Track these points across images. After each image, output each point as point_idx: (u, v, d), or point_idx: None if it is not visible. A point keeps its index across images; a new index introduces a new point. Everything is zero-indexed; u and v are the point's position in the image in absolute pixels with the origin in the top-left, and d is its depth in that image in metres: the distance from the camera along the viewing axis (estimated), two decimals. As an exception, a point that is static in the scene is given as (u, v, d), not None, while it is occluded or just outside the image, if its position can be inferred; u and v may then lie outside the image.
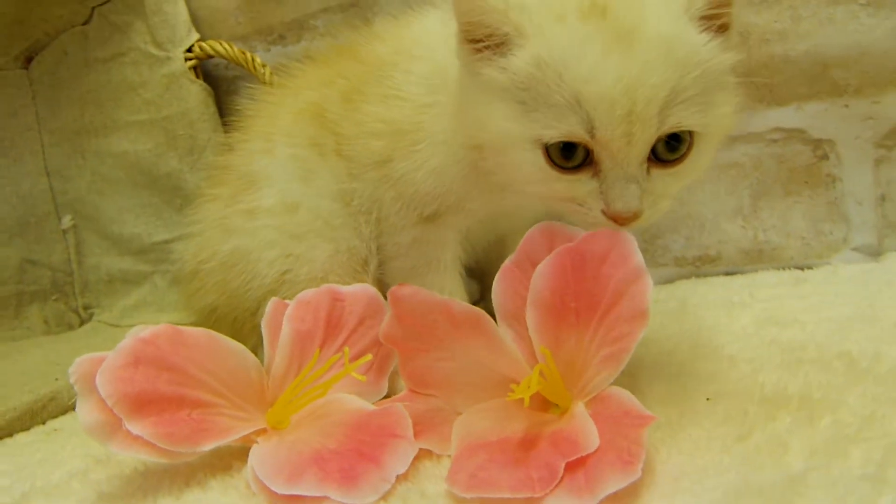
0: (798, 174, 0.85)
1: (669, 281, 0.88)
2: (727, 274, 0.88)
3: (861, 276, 0.79)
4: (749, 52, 0.82)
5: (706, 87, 0.48)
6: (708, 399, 0.53)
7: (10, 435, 0.68)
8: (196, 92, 0.94)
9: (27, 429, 0.69)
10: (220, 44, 0.93)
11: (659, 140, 0.48)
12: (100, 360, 0.50)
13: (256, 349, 0.67)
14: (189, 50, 0.94)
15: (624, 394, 0.47)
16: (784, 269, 0.85)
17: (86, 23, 0.97)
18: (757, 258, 0.87)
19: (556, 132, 0.48)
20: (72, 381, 0.50)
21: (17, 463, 0.60)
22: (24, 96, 0.99)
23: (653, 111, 0.46)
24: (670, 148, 0.49)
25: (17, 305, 0.96)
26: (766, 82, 0.83)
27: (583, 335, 0.49)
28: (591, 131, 0.47)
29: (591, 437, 0.44)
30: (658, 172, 0.50)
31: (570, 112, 0.47)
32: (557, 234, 0.54)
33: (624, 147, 0.47)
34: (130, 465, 0.53)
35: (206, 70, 0.98)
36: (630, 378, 0.56)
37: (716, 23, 0.50)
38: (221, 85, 0.99)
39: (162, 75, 0.94)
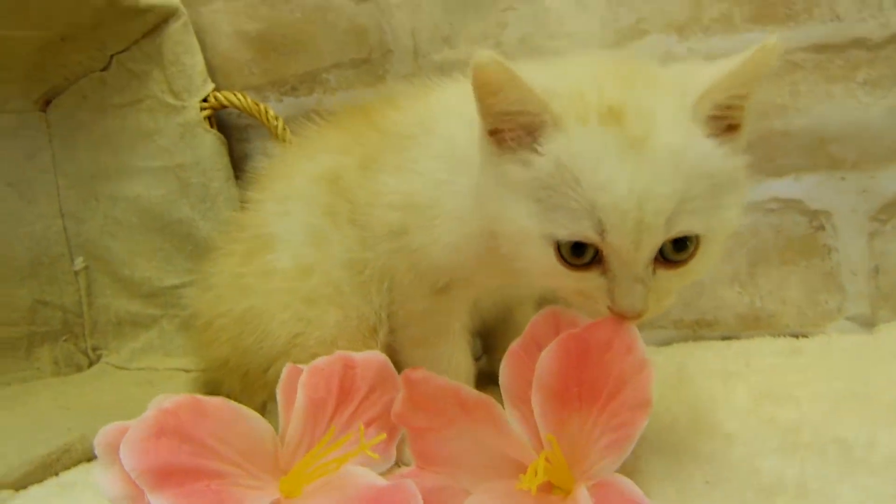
0: (795, 243, 0.88)
1: (667, 343, 0.91)
2: (724, 339, 0.90)
3: (855, 349, 0.81)
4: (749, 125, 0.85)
5: (714, 193, 0.50)
6: (707, 482, 0.55)
7: (25, 487, 0.68)
8: (210, 141, 0.96)
9: (40, 481, 0.70)
10: (235, 95, 0.96)
11: (666, 243, 0.50)
12: (123, 430, 0.52)
13: (266, 404, 0.70)
14: (204, 100, 0.96)
15: (626, 483, 0.49)
16: (780, 336, 0.88)
17: (104, 69, 0.99)
18: (753, 324, 0.90)
19: (569, 232, 0.50)
20: (97, 451, 0.52)
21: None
22: (42, 138, 1.01)
23: (661, 220, 0.48)
24: (677, 249, 0.51)
25: (29, 346, 0.97)
26: (765, 154, 0.86)
27: (586, 420, 0.51)
28: (602, 235, 0.49)
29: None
30: (664, 272, 0.52)
31: (585, 216, 0.49)
32: (562, 319, 0.57)
33: (632, 252, 0.49)
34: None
35: (219, 118, 1.00)
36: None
37: (724, 123, 0.52)
38: (234, 133, 1.02)
39: (177, 124, 0.97)
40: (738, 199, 0.53)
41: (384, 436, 0.55)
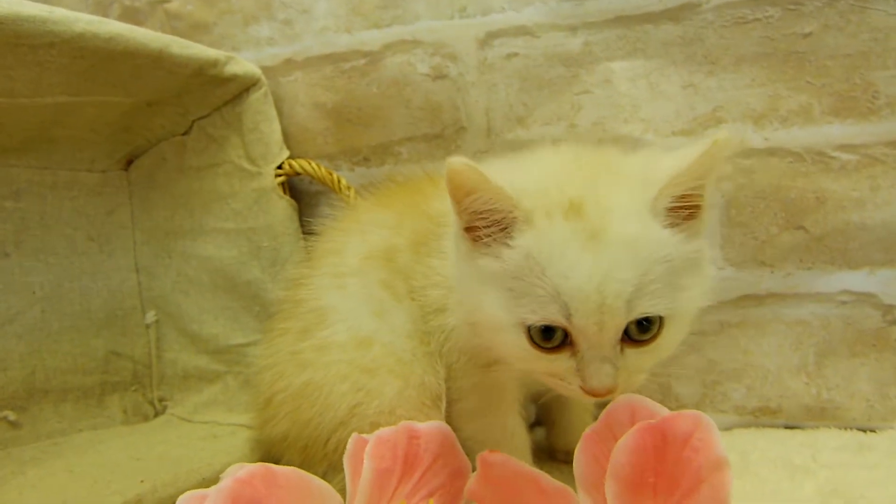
0: (866, 337, 0.86)
1: (727, 429, 0.90)
2: (787, 427, 0.88)
3: (926, 448, 0.79)
4: (825, 216, 0.84)
5: (672, 276, 0.55)
6: None
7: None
8: (283, 207, 0.99)
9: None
10: (309, 163, 0.99)
11: (630, 324, 0.54)
12: (202, 499, 0.54)
13: (326, 475, 0.71)
14: (279, 166, 1.00)
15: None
16: (846, 429, 0.86)
17: (185, 133, 1.03)
18: (819, 415, 0.88)
19: (539, 317, 0.55)
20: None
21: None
22: (122, 196, 1.06)
23: (620, 303, 0.53)
24: (642, 329, 0.55)
25: (101, 395, 1.00)
26: (839, 246, 0.85)
27: (661, 511, 0.51)
28: (568, 318, 0.54)
29: None
30: (631, 351, 0.56)
31: (551, 301, 0.54)
32: (639, 408, 0.57)
33: (597, 333, 0.54)
34: None
35: (291, 184, 1.03)
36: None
37: (683, 213, 0.56)
38: (304, 198, 1.05)
39: (252, 189, 1.00)
40: (700, 280, 0.58)
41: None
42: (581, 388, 0.56)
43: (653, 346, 0.56)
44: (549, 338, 0.56)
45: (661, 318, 0.55)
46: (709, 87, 0.87)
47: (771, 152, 0.86)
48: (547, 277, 0.54)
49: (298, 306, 0.77)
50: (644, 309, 0.54)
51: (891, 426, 0.86)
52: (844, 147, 0.84)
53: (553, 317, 0.54)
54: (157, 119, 1.01)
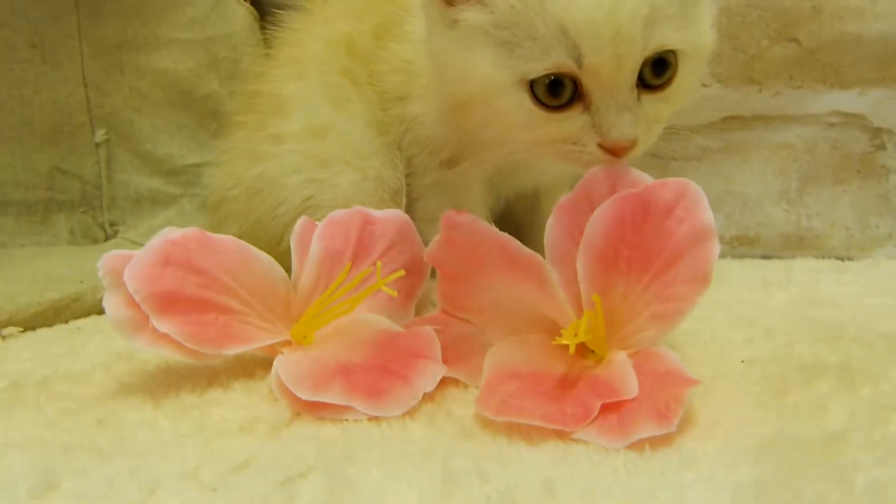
0: (851, 162, 0.83)
1: (703, 257, 0.87)
2: (764, 257, 0.86)
3: (904, 276, 0.77)
4: (820, 28, 0.80)
5: (682, 2, 0.49)
6: (742, 361, 0.51)
7: (33, 329, 0.67)
8: (242, 15, 0.93)
9: (50, 325, 0.68)
10: (273, -32, 0.92)
11: (645, 64, 0.48)
12: (129, 258, 0.50)
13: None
14: (241, -29, 0.92)
15: (669, 354, 0.45)
16: (824, 258, 0.83)
17: (138, -66, 0.95)
18: (797, 245, 0.85)
19: (543, 65, 0.48)
20: (100, 274, 0.50)
21: (39, 352, 0.60)
22: (68, 2, 0.98)
23: (637, 29, 0.46)
24: (656, 73, 0.49)
25: (45, 212, 0.95)
26: (832, 62, 0.80)
27: (632, 287, 0.47)
28: (578, 59, 0.47)
29: (630, 384, 0.42)
30: (648, 98, 0.50)
31: (556, 42, 0.47)
32: (622, 177, 0.50)
33: (614, 72, 0.47)
34: (153, 362, 0.53)
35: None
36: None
37: None
38: (268, 13, 0.97)
39: (210, -6, 0.93)
40: (707, 12, 0.52)
41: (402, 272, 0.52)
42: (600, 145, 0.50)
43: (669, 90, 0.51)
44: (557, 93, 0.49)
45: (675, 57, 0.50)
46: None
47: (768, -44, 0.80)
48: (547, 13, 0.47)
49: (255, 98, 0.72)
50: (662, 38, 0.48)
51: (868, 256, 0.83)
52: (845, -49, 0.79)
53: (560, 60, 0.47)
54: (109, -86, 0.92)
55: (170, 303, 0.48)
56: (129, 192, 0.99)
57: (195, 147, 0.96)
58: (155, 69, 0.96)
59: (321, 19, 0.73)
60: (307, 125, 0.67)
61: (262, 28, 0.94)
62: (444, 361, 0.48)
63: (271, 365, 0.47)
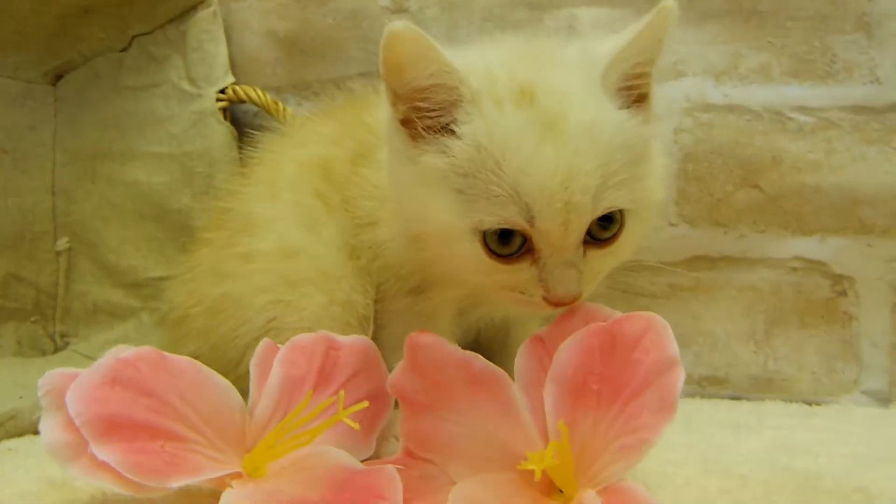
0: (815, 307, 0.84)
1: (672, 396, 0.85)
2: (733, 398, 0.85)
3: (872, 420, 0.76)
4: (780, 177, 0.83)
5: (632, 163, 0.50)
6: (720, 513, 0.49)
7: (-37, 446, 0.63)
8: (222, 133, 0.93)
9: (-20, 443, 0.64)
10: (254, 90, 0.93)
11: (593, 222, 0.49)
12: (73, 376, 0.47)
13: (238, 398, 0.63)
14: (222, 91, 0.94)
15: (639, 489, 0.44)
16: (792, 402, 0.82)
17: (124, 50, 0.97)
18: (765, 387, 0.85)
19: (496, 220, 0.48)
20: (40, 393, 0.47)
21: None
22: (47, 112, 0.98)
23: (588, 198, 0.47)
24: (603, 227, 0.50)
25: (-7, 319, 0.92)
26: (793, 209, 0.83)
27: (601, 420, 0.46)
28: (530, 220, 0.48)
29: (602, 528, 0.40)
30: (594, 253, 0.51)
31: (510, 201, 0.48)
32: (595, 314, 0.51)
33: (562, 235, 0.48)
34: (88, 492, 0.49)
35: (234, 115, 0.97)
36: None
37: (634, 93, 0.52)
38: (247, 132, 0.99)
39: (191, 111, 0.94)
40: (654, 168, 0.54)
41: (366, 403, 0.49)
42: (545, 298, 0.50)
43: (615, 245, 0.52)
44: (507, 243, 0.50)
45: (622, 214, 0.51)
46: (672, 39, 0.85)
47: (730, 109, 0.84)
48: (503, 173, 0.48)
49: (226, 215, 0.71)
50: (610, 202, 0.49)
51: (836, 401, 0.83)
52: (801, 108, 0.83)
53: (513, 219, 0.48)
54: (94, 29, 0.94)
55: (113, 428, 0.45)
56: (87, 302, 0.96)
57: (162, 260, 0.94)
58: (128, 180, 0.96)
59: (297, 142, 0.73)
60: (278, 245, 0.65)
61: (239, 148, 0.95)
62: (406, 502, 0.45)
63: (218, 499, 0.44)
